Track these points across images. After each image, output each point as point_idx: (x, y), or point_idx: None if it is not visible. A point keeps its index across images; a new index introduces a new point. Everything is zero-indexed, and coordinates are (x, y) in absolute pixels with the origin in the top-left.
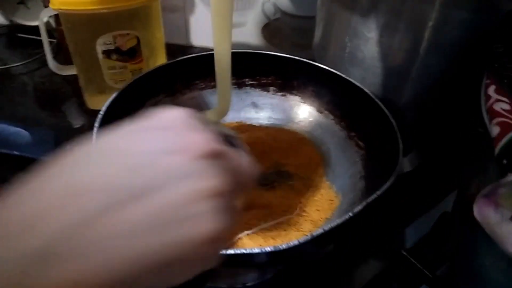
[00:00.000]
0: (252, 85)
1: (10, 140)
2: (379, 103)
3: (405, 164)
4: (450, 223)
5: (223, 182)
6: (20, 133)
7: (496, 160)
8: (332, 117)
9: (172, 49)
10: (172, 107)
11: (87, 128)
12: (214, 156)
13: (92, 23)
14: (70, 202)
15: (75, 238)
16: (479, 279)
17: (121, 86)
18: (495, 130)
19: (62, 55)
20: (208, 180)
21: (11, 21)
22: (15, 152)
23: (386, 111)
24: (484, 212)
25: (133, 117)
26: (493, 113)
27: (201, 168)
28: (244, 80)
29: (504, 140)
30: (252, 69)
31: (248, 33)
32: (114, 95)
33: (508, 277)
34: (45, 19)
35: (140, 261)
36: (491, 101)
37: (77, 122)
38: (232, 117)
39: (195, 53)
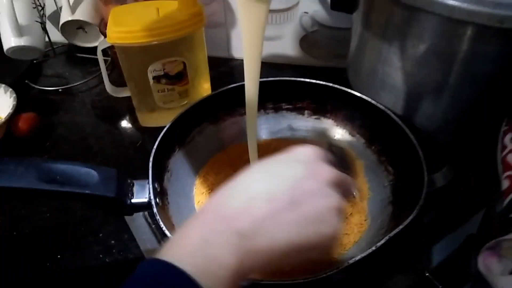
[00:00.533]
0: (288, 109)
1: (81, 180)
2: (406, 129)
3: (438, 179)
4: (476, 244)
5: (342, 200)
6: (90, 173)
7: (503, 214)
8: (363, 140)
9: (215, 62)
10: (306, 145)
11: (140, 145)
12: (336, 182)
13: (144, 53)
14: (257, 205)
15: (264, 225)
16: None
17: (168, 106)
18: (505, 184)
19: (116, 73)
20: (334, 199)
21: (72, 44)
22: (87, 191)
23: (413, 138)
24: (488, 263)
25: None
26: (505, 165)
27: (329, 191)
28: (280, 104)
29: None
30: (288, 94)
31: (287, 45)
32: (165, 128)
33: None
34: (101, 48)
35: (295, 243)
36: (506, 151)
37: (132, 138)
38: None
39: (236, 67)
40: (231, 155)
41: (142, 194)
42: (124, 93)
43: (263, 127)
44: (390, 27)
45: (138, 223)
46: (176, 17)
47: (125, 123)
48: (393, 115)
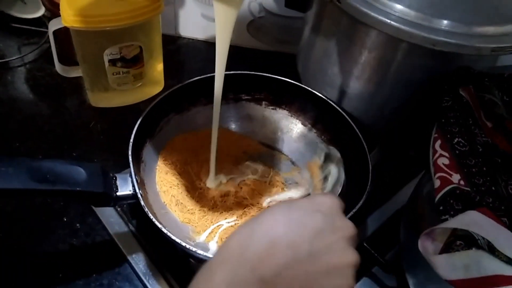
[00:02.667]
0: (247, 100)
1: (71, 177)
2: (350, 121)
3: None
4: (403, 217)
5: (357, 256)
6: (77, 169)
7: (435, 206)
8: (314, 130)
9: (162, 40)
10: (327, 195)
11: (93, 126)
12: (353, 237)
13: (101, 37)
14: (279, 250)
15: (285, 273)
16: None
17: (122, 88)
18: (436, 183)
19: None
20: (352, 256)
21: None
22: (78, 189)
23: (356, 129)
24: (425, 245)
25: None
26: (436, 168)
27: (346, 246)
28: (240, 95)
29: (442, 192)
30: (247, 86)
31: (235, 28)
32: (138, 122)
33: None
34: (54, 29)
35: None
36: (436, 155)
37: (83, 119)
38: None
39: (184, 45)
40: (189, 138)
41: (125, 186)
42: (75, 73)
43: (224, 116)
44: (338, 32)
45: (103, 207)
46: (135, 2)
47: (73, 103)
48: (339, 109)
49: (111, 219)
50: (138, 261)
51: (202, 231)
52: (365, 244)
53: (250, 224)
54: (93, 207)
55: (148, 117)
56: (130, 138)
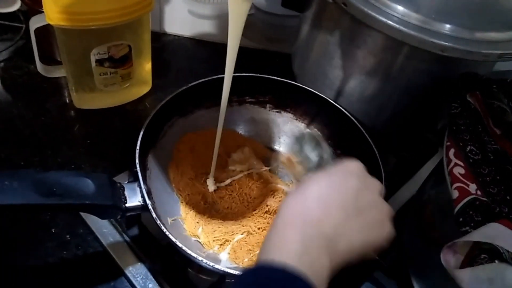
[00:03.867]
0: (251, 103)
1: (78, 190)
2: (358, 124)
3: None
4: (404, 224)
5: (390, 207)
6: (84, 181)
7: (454, 217)
8: (320, 134)
9: None
10: (351, 160)
11: (78, 129)
12: (382, 192)
13: (88, 36)
14: (333, 212)
15: (343, 230)
16: (426, 274)
17: (110, 89)
18: (454, 194)
19: (42, 50)
20: (387, 207)
21: None
22: (87, 202)
23: (364, 132)
24: (447, 258)
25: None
26: (453, 178)
27: (381, 200)
28: (244, 98)
29: (461, 204)
30: (251, 89)
31: (223, 24)
32: (143, 128)
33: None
34: (35, 27)
35: (365, 244)
36: (451, 165)
37: (67, 122)
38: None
39: (169, 43)
40: (192, 140)
41: (134, 197)
42: (58, 73)
43: (228, 119)
44: (339, 33)
45: (94, 216)
46: (124, 0)
47: (55, 104)
48: (346, 112)
49: (104, 230)
50: (136, 274)
51: (212, 241)
52: None
53: (300, 191)
54: (83, 217)
55: (152, 122)
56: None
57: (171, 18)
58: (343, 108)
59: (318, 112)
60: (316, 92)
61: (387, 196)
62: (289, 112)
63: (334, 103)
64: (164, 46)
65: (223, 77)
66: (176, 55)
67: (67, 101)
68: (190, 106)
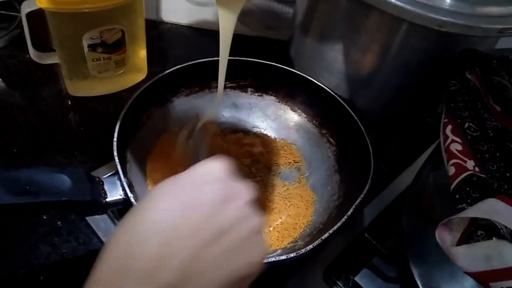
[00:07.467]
0: (231, 87)
1: (54, 187)
2: (347, 106)
3: None
4: (402, 207)
5: (261, 218)
6: (60, 177)
7: (451, 195)
8: (305, 115)
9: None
10: (213, 160)
11: (72, 116)
12: (252, 200)
13: (80, 20)
14: (179, 243)
15: (193, 268)
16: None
17: (103, 75)
18: (451, 170)
19: (35, 36)
20: (255, 219)
21: None
22: (64, 198)
23: (352, 113)
24: (442, 236)
25: None
26: (449, 154)
27: (249, 212)
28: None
29: (457, 180)
30: (231, 73)
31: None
32: (119, 119)
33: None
34: (27, 11)
35: (228, 279)
36: (448, 141)
37: (61, 109)
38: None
39: (166, 31)
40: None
41: (115, 191)
42: (51, 59)
43: (209, 106)
44: (336, 15)
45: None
46: None
47: (50, 92)
48: (333, 93)
49: (96, 216)
50: None
51: None
52: (366, 235)
53: (133, 218)
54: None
55: (130, 112)
56: (113, 133)
57: (167, 6)
58: (325, 86)
59: (301, 93)
60: (297, 72)
61: (387, 183)
62: (271, 95)
63: (315, 81)
64: (161, 34)
65: (198, 63)
66: (173, 43)
67: (61, 89)
68: (169, 95)
